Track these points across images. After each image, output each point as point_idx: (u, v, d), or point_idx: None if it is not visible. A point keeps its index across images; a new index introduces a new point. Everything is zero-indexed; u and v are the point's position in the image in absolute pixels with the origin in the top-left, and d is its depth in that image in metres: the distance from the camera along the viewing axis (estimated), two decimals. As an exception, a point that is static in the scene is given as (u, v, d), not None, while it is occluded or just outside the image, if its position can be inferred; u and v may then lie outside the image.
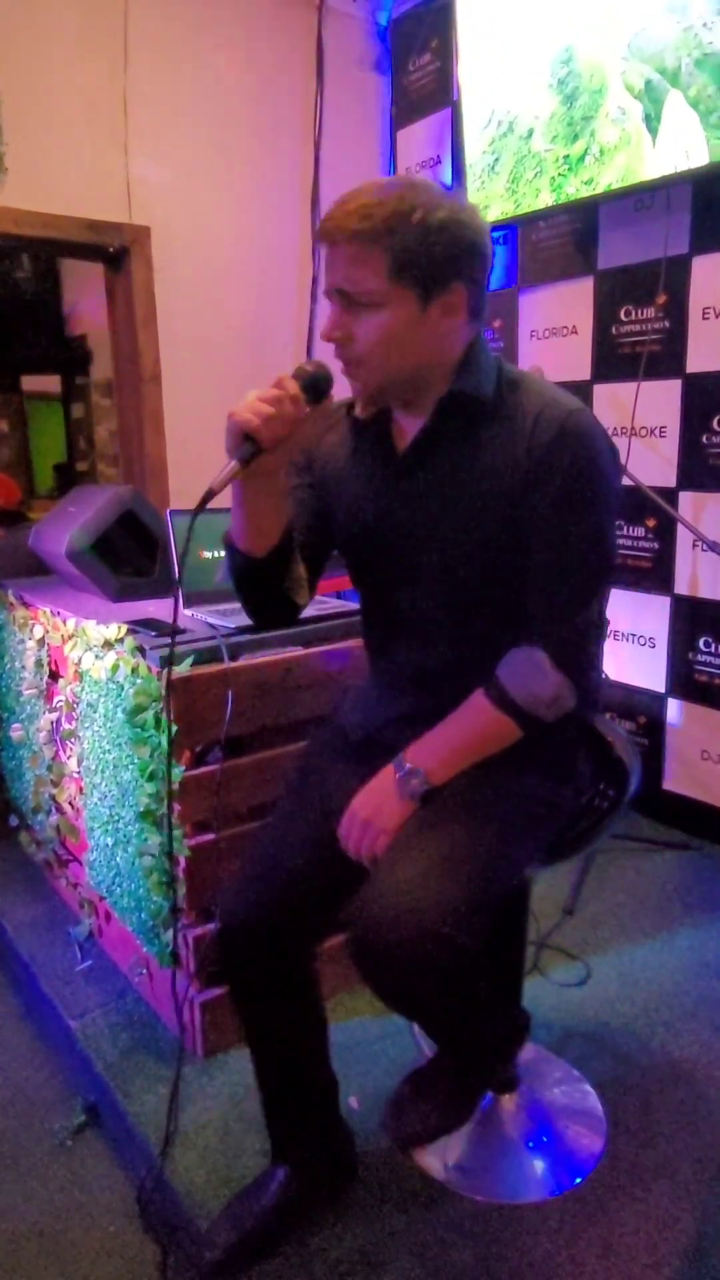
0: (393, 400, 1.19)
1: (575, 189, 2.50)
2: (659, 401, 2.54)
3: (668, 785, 2.70)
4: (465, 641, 1.21)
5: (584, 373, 2.76)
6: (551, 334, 2.87)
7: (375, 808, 1.16)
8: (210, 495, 1.07)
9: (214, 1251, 1.31)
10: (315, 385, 1.10)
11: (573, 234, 2.75)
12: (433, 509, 1.17)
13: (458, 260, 1.06)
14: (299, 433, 1.09)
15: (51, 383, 6.32)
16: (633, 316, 2.59)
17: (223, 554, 1.24)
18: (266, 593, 1.25)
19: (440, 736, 1.17)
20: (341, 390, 1.18)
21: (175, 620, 1.27)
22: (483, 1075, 1.36)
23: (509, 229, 2.91)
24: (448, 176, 3.21)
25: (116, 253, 2.95)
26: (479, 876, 1.10)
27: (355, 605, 1.35)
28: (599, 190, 2.43)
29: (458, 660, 1.21)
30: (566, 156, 2.51)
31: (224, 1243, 1.32)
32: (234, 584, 1.26)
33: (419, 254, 1.04)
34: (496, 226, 2.86)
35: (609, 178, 2.40)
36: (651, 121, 2.27)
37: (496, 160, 2.73)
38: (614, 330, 2.66)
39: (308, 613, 1.39)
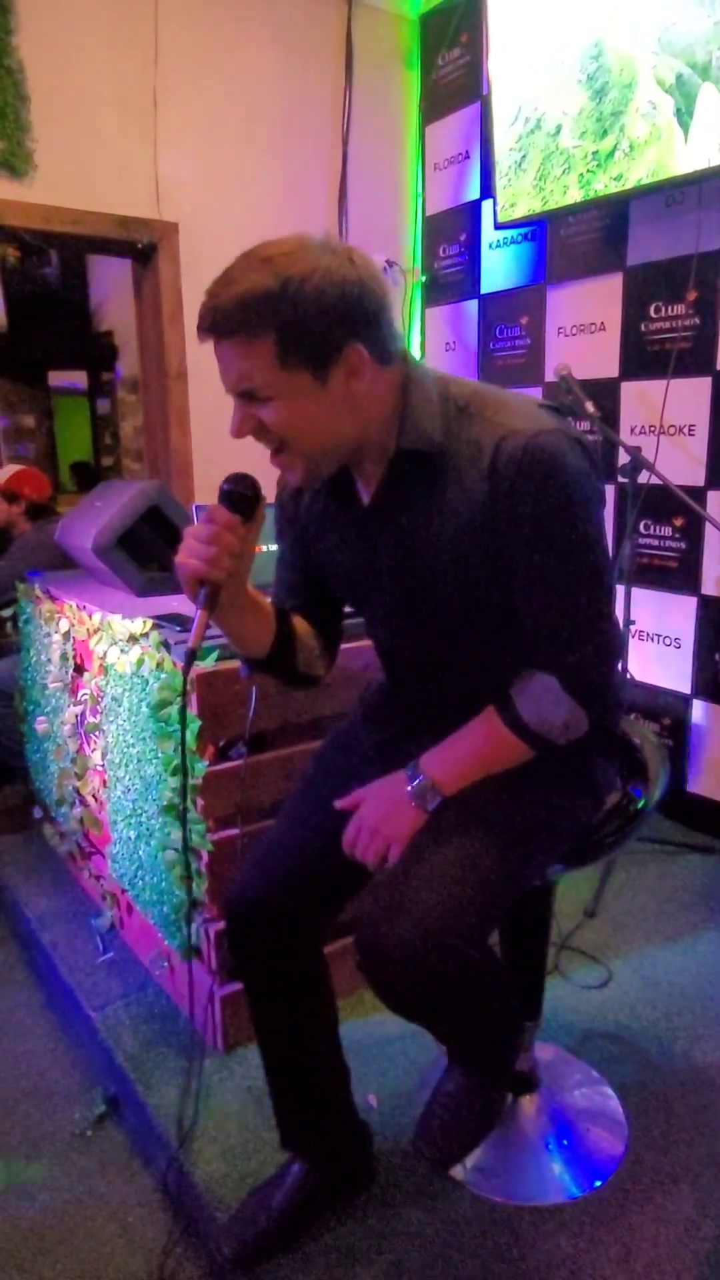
0: (335, 468, 1.14)
1: (604, 185, 2.48)
2: (688, 399, 2.52)
3: (692, 788, 2.67)
4: (473, 671, 1.20)
5: (612, 370, 2.74)
6: (579, 331, 2.85)
7: (385, 816, 1.14)
8: (194, 654, 1.06)
9: (231, 1245, 1.32)
10: (244, 503, 1.06)
11: (602, 230, 2.72)
12: (406, 562, 1.14)
13: (343, 323, 0.99)
14: (249, 550, 1.08)
15: (78, 378, 6.36)
16: (662, 313, 2.57)
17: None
18: (284, 678, 1.28)
19: (453, 749, 1.16)
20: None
21: (197, 625, 1.28)
22: (499, 1077, 1.36)
23: (537, 225, 2.90)
24: (476, 172, 3.20)
25: (145, 249, 2.96)
26: (487, 888, 1.10)
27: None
28: (629, 186, 2.41)
29: (468, 687, 1.20)
30: (595, 152, 2.48)
31: (241, 1236, 1.32)
32: (255, 674, 1.28)
33: (303, 331, 0.97)
34: (523, 223, 2.85)
35: (639, 173, 2.37)
36: (683, 116, 2.24)
37: (524, 157, 2.72)
38: (643, 327, 2.63)
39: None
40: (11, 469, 3.14)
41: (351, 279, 0.99)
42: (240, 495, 1.06)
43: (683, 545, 2.62)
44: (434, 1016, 1.19)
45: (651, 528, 2.68)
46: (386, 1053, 1.71)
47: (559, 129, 2.58)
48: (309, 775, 1.38)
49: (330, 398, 1.02)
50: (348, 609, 1.34)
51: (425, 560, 1.11)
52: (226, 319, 0.98)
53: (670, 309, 2.54)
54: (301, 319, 0.97)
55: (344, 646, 1.37)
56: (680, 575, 2.64)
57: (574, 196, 2.58)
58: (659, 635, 2.71)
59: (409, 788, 1.15)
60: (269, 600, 1.24)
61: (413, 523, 1.11)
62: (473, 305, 3.27)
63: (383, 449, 1.10)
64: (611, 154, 2.44)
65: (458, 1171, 1.44)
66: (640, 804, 1.32)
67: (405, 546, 1.13)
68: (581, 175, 2.54)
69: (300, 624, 1.27)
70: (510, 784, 1.15)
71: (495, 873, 1.11)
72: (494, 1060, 1.32)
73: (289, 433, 1.04)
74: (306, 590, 1.30)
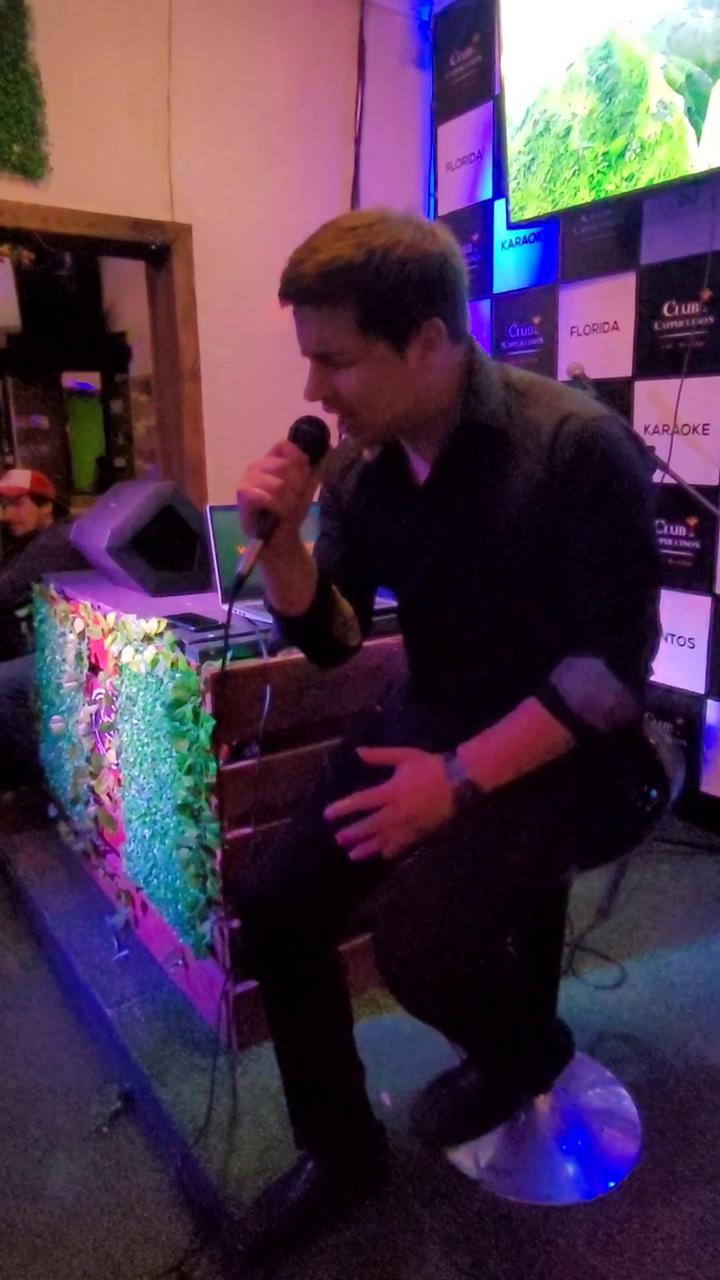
0: (395, 438, 1.17)
1: (615, 186, 2.47)
2: (702, 398, 2.51)
3: (705, 788, 2.66)
4: (508, 662, 1.20)
5: (625, 369, 2.73)
6: (592, 330, 2.85)
7: (421, 809, 1.12)
8: (242, 580, 1.05)
9: (247, 1241, 1.33)
10: (314, 443, 1.07)
11: (615, 229, 2.72)
12: (458, 540, 1.15)
13: (426, 295, 1.02)
14: (309, 493, 1.08)
15: (91, 379, 6.39)
16: (676, 312, 2.56)
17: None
18: (316, 644, 1.27)
19: (492, 740, 1.14)
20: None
21: (229, 619, 1.29)
22: (514, 1081, 1.36)
23: (550, 224, 2.89)
24: (489, 172, 3.20)
25: (158, 251, 2.98)
26: (508, 891, 1.10)
27: (394, 602, 1.35)
28: (640, 185, 2.40)
29: (502, 680, 1.19)
30: (606, 153, 2.48)
31: (257, 1232, 1.33)
32: (286, 640, 1.27)
33: (385, 302, 1.00)
34: (533, 223, 2.84)
35: (650, 173, 2.37)
36: (694, 116, 2.24)
37: (533, 160, 2.71)
38: (656, 326, 2.62)
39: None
40: (26, 473, 3.17)
41: (434, 253, 1.01)
42: (311, 435, 1.07)
43: (697, 545, 2.61)
44: (451, 1019, 1.19)
45: (665, 527, 2.67)
46: (400, 1051, 1.71)
47: (568, 131, 2.58)
48: (327, 772, 1.38)
49: (406, 369, 1.05)
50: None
51: (477, 538, 1.13)
52: (310, 286, 1.00)
53: (684, 308, 2.54)
54: (385, 290, 0.99)
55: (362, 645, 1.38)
56: (694, 575, 2.63)
57: (585, 198, 2.57)
58: (673, 635, 2.70)
59: (452, 786, 1.12)
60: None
61: (468, 501, 1.13)
62: (485, 305, 3.27)
63: (444, 426, 1.12)
64: (622, 154, 2.43)
65: (470, 1170, 1.44)
66: (657, 805, 1.32)
67: (458, 524, 1.14)
68: (592, 177, 2.53)
69: (337, 593, 1.27)
70: (533, 785, 1.14)
71: (516, 875, 1.11)
72: (513, 1062, 1.32)
73: (362, 400, 1.06)
74: (344, 569, 1.30)
